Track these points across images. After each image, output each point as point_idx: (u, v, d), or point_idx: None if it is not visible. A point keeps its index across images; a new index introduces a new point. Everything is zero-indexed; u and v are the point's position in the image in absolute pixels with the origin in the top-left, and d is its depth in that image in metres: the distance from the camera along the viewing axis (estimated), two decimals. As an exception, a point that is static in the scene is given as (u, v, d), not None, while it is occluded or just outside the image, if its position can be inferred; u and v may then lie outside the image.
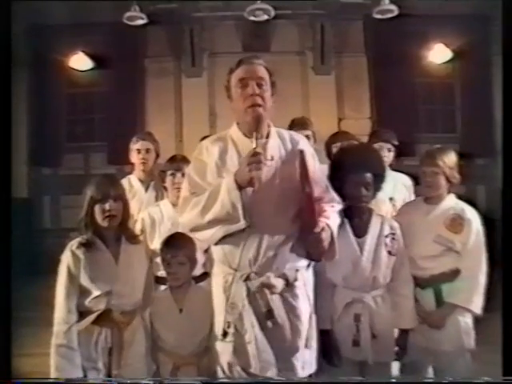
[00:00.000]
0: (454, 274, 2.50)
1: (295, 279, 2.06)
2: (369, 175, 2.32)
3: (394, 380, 2.38)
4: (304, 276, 2.12)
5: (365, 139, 5.38)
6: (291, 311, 2.04)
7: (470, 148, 7.26)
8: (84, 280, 2.23)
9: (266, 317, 1.99)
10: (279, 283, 2.01)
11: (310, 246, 1.98)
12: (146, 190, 3.52)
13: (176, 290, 2.41)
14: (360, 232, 2.37)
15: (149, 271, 2.45)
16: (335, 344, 2.34)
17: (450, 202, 2.57)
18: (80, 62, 6.68)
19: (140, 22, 5.93)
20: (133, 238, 2.40)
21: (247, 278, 2.01)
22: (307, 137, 3.23)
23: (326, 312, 2.32)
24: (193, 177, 2.13)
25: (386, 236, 2.38)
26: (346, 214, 2.34)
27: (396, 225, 2.44)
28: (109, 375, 2.24)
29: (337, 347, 2.34)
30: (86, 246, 2.26)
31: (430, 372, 2.56)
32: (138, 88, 7.08)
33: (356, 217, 2.37)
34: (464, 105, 7.35)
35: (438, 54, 6.78)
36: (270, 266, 2.01)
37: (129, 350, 2.26)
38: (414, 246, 2.46)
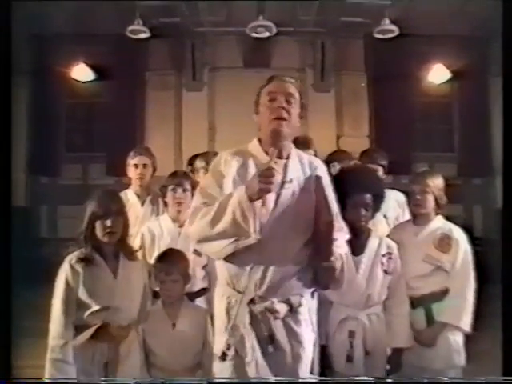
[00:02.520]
0: (443, 293, 2.54)
1: (299, 305, 2.00)
2: (368, 196, 2.37)
3: (393, 380, 2.35)
4: (309, 303, 2.06)
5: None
6: (293, 337, 2.00)
7: (467, 168, 7.36)
8: (82, 294, 2.22)
9: (267, 341, 1.95)
10: (283, 309, 1.95)
11: (322, 274, 1.95)
12: (142, 204, 3.53)
13: (169, 305, 2.42)
14: (357, 251, 2.39)
15: (146, 286, 2.45)
16: (329, 359, 2.37)
17: (438, 223, 2.64)
18: (81, 72, 6.72)
19: (143, 35, 5.98)
20: (131, 254, 2.40)
21: (251, 302, 1.95)
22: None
23: (322, 328, 2.30)
24: (206, 188, 2.06)
25: (383, 255, 2.42)
26: None
27: (393, 245, 2.48)
28: (104, 389, 2.25)
29: (330, 362, 2.37)
30: (85, 260, 2.26)
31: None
32: (139, 100, 7.14)
33: (354, 236, 2.34)
34: (462, 125, 7.44)
35: (437, 75, 6.86)
36: (276, 291, 1.94)
37: (124, 364, 2.26)
38: (405, 266, 2.50)
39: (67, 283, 2.22)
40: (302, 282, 1.99)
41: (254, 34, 5.68)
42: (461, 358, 2.54)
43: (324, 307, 2.34)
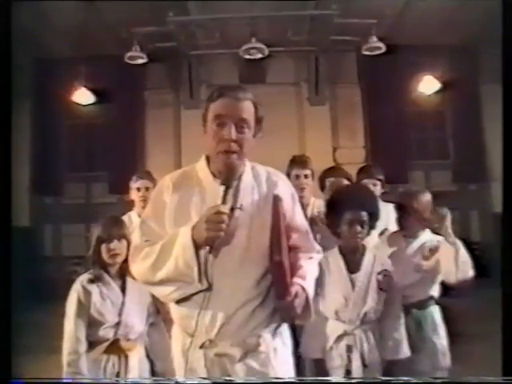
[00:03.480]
0: (430, 300, 2.72)
1: (257, 347, 1.76)
2: (364, 213, 2.37)
3: (393, 380, 2.32)
4: (269, 343, 1.80)
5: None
6: (262, 378, 1.77)
7: (462, 174, 7.48)
8: (94, 312, 2.41)
9: None
10: (236, 353, 1.74)
11: (281, 311, 1.75)
12: None
13: (169, 321, 2.48)
14: (353, 268, 2.42)
15: (150, 304, 2.59)
16: (326, 372, 2.41)
17: (426, 237, 2.77)
18: (82, 96, 6.88)
19: (140, 61, 6.12)
20: None
21: (203, 346, 1.74)
22: (306, 176, 3.41)
23: (318, 342, 2.40)
24: (147, 221, 1.83)
25: (379, 273, 2.43)
26: (341, 250, 2.45)
27: (388, 261, 2.51)
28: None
29: (328, 375, 2.40)
30: (95, 280, 2.46)
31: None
32: (138, 119, 7.29)
33: (350, 253, 2.44)
34: (455, 132, 7.57)
35: (428, 85, 6.99)
36: (228, 335, 1.73)
37: (134, 373, 2.45)
38: (395, 276, 2.56)
39: (79, 302, 2.40)
40: (258, 320, 1.76)
41: (247, 56, 5.83)
42: (446, 360, 2.67)
43: (320, 323, 2.37)
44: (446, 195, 7.23)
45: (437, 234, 2.81)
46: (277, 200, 1.75)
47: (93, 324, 2.41)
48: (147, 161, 7.08)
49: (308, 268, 1.83)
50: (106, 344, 2.42)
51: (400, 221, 2.80)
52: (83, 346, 2.37)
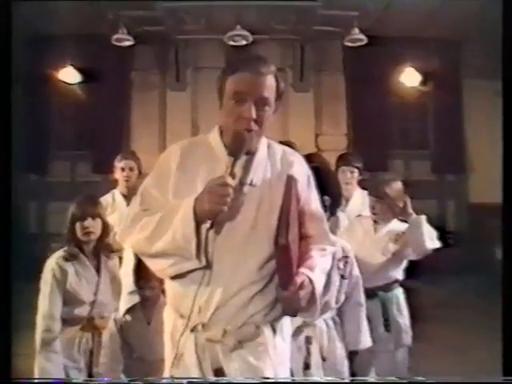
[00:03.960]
0: (395, 282, 2.88)
1: (253, 337, 1.62)
2: (326, 198, 2.20)
3: (394, 380, 2.31)
4: (267, 335, 1.65)
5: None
6: (253, 372, 1.61)
7: (441, 164, 7.67)
8: (70, 291, 2.45)
9: (214, 376, 1.62)
10: (230, 340, 1.60)
11: (283, 302, 1.58)
12: (128, 204, 3.36)
13: (145, 303, 2.45)
14: None
15: (133, 282, 2.53)
16: None
17: (395, 224, 2.88)
18: (69, 75, 6.91)
19: (127, 43, 6.21)
20: (110, 253, 2.62)
21: (194, 329, 1.61)
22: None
23: None
24: (148, 189, 1.70)
25: (339, 260, 2.30)
26: None
27: (349, 247, 2.38)
28: (89, 374, 2.49)
29: None
30: (70, 258, 2.49)
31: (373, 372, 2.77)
32: (124, 100, 7.31)
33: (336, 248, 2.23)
34: (436, 124, 7.73)
35: (410, 77, 7.14)
36: (223, 319, 1.59)
37: (105, 350, 2.43)
38: (363, 259, 2.60)
39: (55, 280, 2.44)
40: (257, 308, 1.62)
41: (232, 43, 5.93)
42: (408, 338, 2.85)
43: None
44: (424, 185, 7.50)
45: (404, 221, 2.89)
46: (290, 180, 1.61)
47: (68, 302, 2.45)
48: (132, 142, 7.13)
49: (318, 260, 1.68)
50: (79, 325, 2.48)
51: (373, 207, 2.86)
52: (58, 325, 2.41)
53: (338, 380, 2.19)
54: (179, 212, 1.53)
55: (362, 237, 2.86)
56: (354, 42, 6.11)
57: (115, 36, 6.05)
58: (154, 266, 1.67)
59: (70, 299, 2.46)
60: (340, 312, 2.37)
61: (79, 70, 6.90)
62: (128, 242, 1.72)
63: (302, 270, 1.57)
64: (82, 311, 2.48)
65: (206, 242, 1.55)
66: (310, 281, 1.57)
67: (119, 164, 3.71)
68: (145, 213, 1.65)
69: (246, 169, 1.62)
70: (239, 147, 1.56)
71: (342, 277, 2.31)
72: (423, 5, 6.20)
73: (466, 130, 7.72)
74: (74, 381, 2.41)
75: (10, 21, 1.83)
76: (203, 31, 6.57)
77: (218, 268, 1.57)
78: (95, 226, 2.52)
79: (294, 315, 1.69)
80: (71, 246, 2.51)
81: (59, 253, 2.52)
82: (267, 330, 1.65)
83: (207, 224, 1.52)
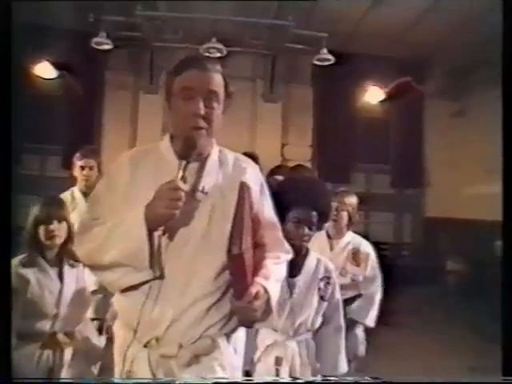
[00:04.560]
0: (355, 298, 2.99)
1: (211, 350, 1.57)
2: (314, 213, 2.08)
3: (394, 380, 2.33)
4: (224, 349, 1.61)
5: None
6: None
7: (399, 179, 8.02)
8: (30, 303, 2.22)
9: None
10: (185, 355, 1.54)
11: (238, 313, 1.54)
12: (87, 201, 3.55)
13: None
14: (293, 271, 2.08)
15: (89, 292, 2.49)
16: None
17: (349, 238, 3.00)
18: (45, 69, 6.89)
19: (106, 47, 6.27)
20: (74, 260, 2.35)
21: (147, 345, 1.54)
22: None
23: (247, 352, 1.98)
24: (98, 198, 1.66)
25: (321, 279, 2.18)
26: None
27: (331, 267, 2.25)
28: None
29: None
30: (29, 265, 2.27)
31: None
32: (97, 98, 7.35)
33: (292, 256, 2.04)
34: (396, 140, 8.05)
35: (373, 95, 7.45)
36: (176, 333, 1.53)
37: (69, 369, 2.30)
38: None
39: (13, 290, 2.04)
40: (213, 320, 1.56)
41: (207, 54, 6.14)
42: (363, 350, 2.98)
43: (251, 330, 2.04)
44: (383, 198, 7.85)
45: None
46: (243, 187, 1.55)
47: (28, 315, 2.22)
48: (103, 140, 7.18)
49: (273, 268, 1.64)
50: (41, 339, 2.26)
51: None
52: (13, 340, 2.00)
53: (338, 380, 2.11)
54: (130, 220, 1.48)
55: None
56: (323, 61, 6.37)
57: (95, 39, 6.14)
58: (105, 279, 1.60)
59: (30, 312, 2.22)
60: (317, 335, 2.23)
61: (55, 64, 6.86)
62: (78, 253, 1.66)
63: (257, 279, 1.54)
64: (43, 325, 2.26)
65: (159, 251, 1.50)
66: (265, 290, 1.54)
67: (79, 162, 3.60)
68: (95, 222, 1.59)
69: (198, 175, 1.58)
70: (189, 148, 1.52)
71: (322, 298, 2.17)
72: (390, 27, 6.50)
73: (424, 148, 8.09)
74: (78, 381, 2.26)
75: (10, 21, 1.77)
76: (180, 41, 6.72)
77: (171, 279, 1.52)
78: (61, 230, 2.32)
79: (249, 326, 1.67)
80: (32, 251, 2.30)
81: (18, 259, 2.28)
82: (223, 343, 1.60)
83: (160, 231, 1.49)
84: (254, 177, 1.71)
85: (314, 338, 2.22)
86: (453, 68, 7.24)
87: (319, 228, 2.19)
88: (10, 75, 1.92)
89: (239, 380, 1.64)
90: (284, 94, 7.59)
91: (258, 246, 1.65)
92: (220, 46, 6.02)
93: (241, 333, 1.71)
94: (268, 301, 1.56)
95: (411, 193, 8.23)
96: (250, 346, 2.05)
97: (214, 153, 1.66)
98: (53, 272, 2.34)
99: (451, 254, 7.73)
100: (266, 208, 1.72)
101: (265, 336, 2.16)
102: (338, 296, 2.25)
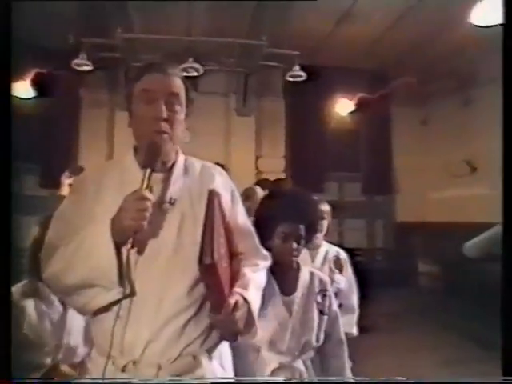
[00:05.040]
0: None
1: (193, 368, 1.48)
2: (302, 227, 1.98)
3: (395, 380, 2.18)
4: (207, 365, 1.51)
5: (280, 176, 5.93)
6: None
7: (370, 186, 8.31)
8: (29, 334, 2.02)
9: None
10: (166, 376, 1.44)
11: (219, 327, 1.46)
12: None
13: None
14: (288, 290, 2.04)
15: None
16: None
17: (326, 247, 2.94)
18: (22, 89, 6.74)
19: (86, 68, 6.38)
20: None
21: (125, 369, 1.43)
22: None
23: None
24: (62, 217, 1.57)
25: (317, 293, 2.08)
26: (272, 269, 1.86)
27: (326, 279, 2.16)
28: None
29: None
30: (30, 294, 2.07)
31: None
32: (73, 116, 7.37)
33: (283, 273, 2.02)
34: (367, 149, 8.37)
35: (343, 107, 7.75)
36: (154, 354, 1.43)
37: None
38: None
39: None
40: (191, 337, 1.47)
41: (184, 73, 6.33)
42: (348, 369, 2.87)
43: (249, 356, 1.97)
44: (355, 205, 8.12)
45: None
46: (212, 195, 1.49)
47: (26, 348, 2.00)
48: (79, 158, 7.22)
49: (251, 276, 1.56)
50: (41, 372, 2.02)
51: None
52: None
53: (338, 380, 2.07)
54: (95, 235, 1.39)
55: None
56: (295, 78, 6.67)
57: (75, 61, 6.23)
58: (74, 303, 1.51)
59: (28, 344, 2.01)
60: (320, 351, 2.11)
61: (33, 83, 6.78)
62: (44, 277, 1.54)
63: (235, 289, 1.46)
64: (43, 358, 2.03)
65: (128, 267, 1.41)
66: (245, 300, 1.46)
67: (67, 181, 3.53)
68: (60, 242, 1.49)
69: (164, 185, 1.52)
70: (154, 155, 1.46)
71: (321, 312, 2.08)
72: (357, 41, 6.79)
73: (394, 155, 8.41)
74: (78, 381, 1.95)
75: (9, 21, 1.75)
76: (158, 60, 6.89)
77: (142, 296, 1.42)
78: None
79: (233, 340, 1.55)
80: (33, 278, 2.03)
81: (17, 287, 2.07)
82: (205, 360, 1.50)
83: (128, 245, 1.40)
84: (224, 183, 1.66)
85: (318, 353, 2.10)
86: (417, 79, 7.58)
87: (308, 241, 2.07)
88: (10, 76, 1.84)
89: (239, 380, 1.55)
90: (256, 108, 7.77)
91: (234, 255, 1.59)
92: (197, 65, 6.23)
93: (225, 347, 1.62)
94: (249, 311, 1.47)
95: (382, 199, 8.52)
96: (252, 373, 1.95)
97: (180, 161, 1.60)
98: (55, 298, 2.08)
99: (422, 256, 8.05)
100: (239, 215, 1.66)
101: (268, 360, 2.00)
102: (335, 308, 2.15)
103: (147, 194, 1.38)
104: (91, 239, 1.40)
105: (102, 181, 1.55)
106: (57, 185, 3.93)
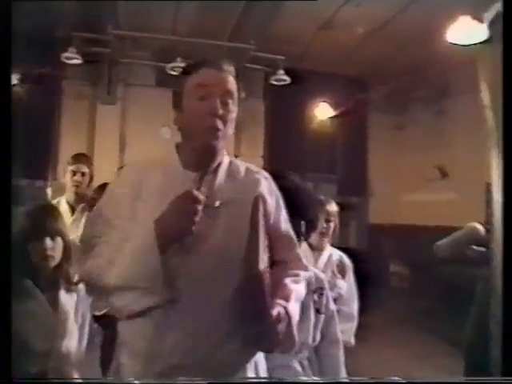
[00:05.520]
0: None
1: (229, 377, 1.43)
2: (302, 223, 1.92)
3: (395, 380, 2.26)
4: (247, 372, 1.48)
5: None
6: None
7: (345, 188, 8.50)
8: (14, 338, 1.63)
9: None
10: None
11: (258, 338, 1.39)
12: (73, 213, 3.32)
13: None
14: None
15: (91, 321, 2.14)
16: None
17: (329, 250, 2.85)
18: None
19: (76, 61, 6.38)
20: (70, 283, 1.95)
21: (161, 375, 1.37)
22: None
23: None
24: (101, 213, 1.53)
25: (314, 291, 2.02)
26: None
27: (322, 276, 2.11)
28: None
29: None
30: (17, 293, 1.72)
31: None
32: (54, 107, 7.33)
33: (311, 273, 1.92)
34: (343, 152, 8.58)
35: (323, 111, 7.93)
36: (194, 360, 1.37)
37: None
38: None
39: None
40: (233, 346, 1.40)
41: (172, 72, 6.44)
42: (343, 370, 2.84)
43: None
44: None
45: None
46: (258, 200, 1.41)
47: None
48: (60, 150, 7.17)
49: (292, 287, 1.50)
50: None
51: (316, 233, 2.45)
52: None
53: (338, 380, 2.03)
54: (138, 237, 1.34)
55: None
56: (279, 82, 6.82)
57: (65, 54, 6.23)
58: (112, 303, 1.43)
59: (14, 352, 1.65)
60: (316, 350, 2.08)
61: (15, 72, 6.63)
62: (78, 275, 1.52)
63: (278, 300, 1.40)
64: (30, 366, 1.78)
65: (172, 272, 1.35)
66: (287, 313, 1.40)
67: (70, 167, 3.38)
68: (98, 240, 1.46)
69: (210, 188, 1.43)
70: (208, 159, 1.43)
71: (318, 311, 2.03)
72: (338, 48, 6.98)
73: (369, 159, 8.65)
74: (75, 381, 1.90)
75: (9, 21, 1.73)
76: (147, 58, 7.06)
77: (186, 301, 1.36)
78: (55, 249, 1.87)
79: (270, 351, 1.50)
80: (19, 276, 1.77)
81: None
82: (243, 370, 1.46)
83: (173, 249, 1.35)
84: (269, 188, 1.58)
85: (314, 352, 2.07)
86: (394, 87, 7.81)
87: (307, 238, 2.05)
88: (10, 75, 1.81)
89: (239, 380, 1.45)
90: (237, 108, 7.83)
91: (277, 264, 1.53)
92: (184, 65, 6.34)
93: (260, 357, 1.57)
94: (289, 323, 1.41)
95: (356, 201, 8.71)
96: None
97: (225, 162, 1.53)
98: (44, 299, 1.87)
99: (394, 257, 8.29)
100: (282, 222, 1.59)
101: (264, 361, 1.85)
102: (333, 307, 2.11)
103: (199, 196, 1.33)
104: (135, 240, 1.35)
105: (143, 179, 1.49)
106: (36, 175, 3.86)
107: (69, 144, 7.17)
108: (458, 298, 3.83)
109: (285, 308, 1.40)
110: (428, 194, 7.70)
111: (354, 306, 2.88)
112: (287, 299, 1.44)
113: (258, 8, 5.79)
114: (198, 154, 1.43)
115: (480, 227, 3.27)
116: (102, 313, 2.19)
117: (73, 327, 1.94)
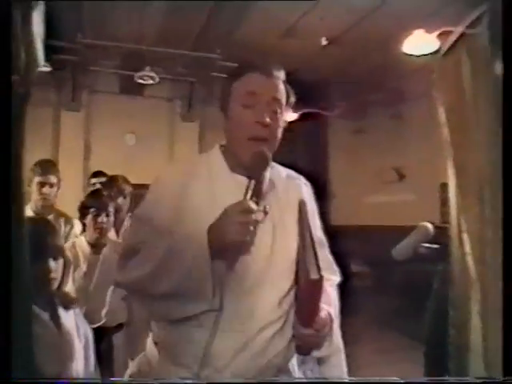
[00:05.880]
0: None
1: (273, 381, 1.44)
2: None
3: (395, 380, 2.22)
4: (287, 375, 1.49)
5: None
6: None
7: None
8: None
9: None
10: None
11: (303, 341, 1.41)
12: None
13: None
14: None
15: (90, 338, 2.00)
16: None
17: None
18: None
19: (45, 69, 6.37)
20: (69, 302, 1.92)
21: (205, 380, 1.37)
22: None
23: None
24: (142, 219, 1.48)
25: None
26: None
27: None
28: None
29: None
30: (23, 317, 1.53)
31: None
32: (17, 113, 7.31)
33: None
34: (305, 156, 8.67)
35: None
36: (240, 365, 1.37)
37: None
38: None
39: None
40: (277, 349, 1.42)
41: (140, 81, 6.54)
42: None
43: None
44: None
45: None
46: (303, 206, 1.46)
47: None
48: (23, 157, 7.13)
49: (330, 291, 1.53)
50: None
51: None
52: None
53: (338, 380, 1.94)
54: (189, 244, 1.31)
55: None
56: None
57: None
58: (157, 308, 1.42)
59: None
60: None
61: None
62: (121, 280, 1.48)
63: (323, 305, 1.39)
64: None
65: (220, 279, 1.33)
66: (330, 317, 1.43)
67: (37, 178, 3.15)
68: (141, 246, 1.42)
69: (256, 194, 1.36)
70: (260, 167, 1.38)
71: None
72: (298, 55, 7.18)
73: (330, 162, 8.92)
74: (76, 381, 1.83)
75: (9, 21, 1.75)
76: (117, 67, 7.13)
77: (232, 308, 1.36)
78: (57, 270, 1.82)
79: (307, 354, 1.51)
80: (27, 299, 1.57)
81: None
82: (286, 373, 1.48)
83: (222, 258, 1.33)
84: (309, 194, 1.63)
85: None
86: (353, 91, 8.09)
87: None
88: (10, 74, 1.79)
89: (240, 380, 1.42)
90: (201, 114, 7.90)
91: None
92: (153, 74, 6.44)
93: (294, 359, 1.57)
94: (331, 327, 1.44)
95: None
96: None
97: (268, 169, 1.49)
98: (48, 317, 1.80)
99: (355, 257, 8.55)
100: (317, 227, 1.61)
101: None
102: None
103: (253, 205, 1.28)
104: (184, 245, 1.33)
105: (188, 183, 1.45)
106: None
107: (33, 151, 7.04)
108: (418, 294, 4.06)
109: (329, 313, 1.43)
110: (386, 196, 7.99)
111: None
112: (329, 304, 1.46)
113: (223, 15, 5.93)
114: (255, 164, 1.37)
115: (430, 226, 3.53)
116: (96, 326, 2.28)
117: (79, 348, 1.87)
